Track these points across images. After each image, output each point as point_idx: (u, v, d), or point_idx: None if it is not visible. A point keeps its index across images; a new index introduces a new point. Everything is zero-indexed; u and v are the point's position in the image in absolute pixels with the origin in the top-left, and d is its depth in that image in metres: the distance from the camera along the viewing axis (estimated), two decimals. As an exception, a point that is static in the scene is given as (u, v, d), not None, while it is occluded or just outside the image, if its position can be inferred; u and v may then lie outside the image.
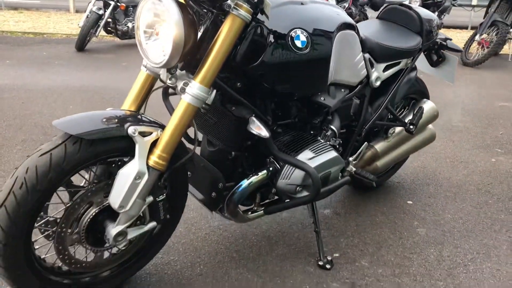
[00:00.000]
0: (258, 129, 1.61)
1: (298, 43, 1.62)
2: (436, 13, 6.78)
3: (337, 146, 1.93)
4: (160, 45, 1.47)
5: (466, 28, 10.72)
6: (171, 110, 1.79)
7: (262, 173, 1.73)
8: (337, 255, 2.05)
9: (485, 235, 2.28)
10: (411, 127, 2.33)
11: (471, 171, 3.03)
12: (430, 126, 2.59)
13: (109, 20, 6.31)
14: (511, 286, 1.93)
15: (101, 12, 6.15)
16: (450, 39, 2.53)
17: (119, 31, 6.50)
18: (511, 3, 6.59)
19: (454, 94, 5.04)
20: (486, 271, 2.01)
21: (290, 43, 1.60)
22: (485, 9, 7.24)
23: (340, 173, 1.90)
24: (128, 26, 6.48)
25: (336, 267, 1.96)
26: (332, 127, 1.90)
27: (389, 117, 2.36)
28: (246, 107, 1.65)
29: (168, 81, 1.55)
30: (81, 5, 9.31)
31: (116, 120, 1.49)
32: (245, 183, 1.72)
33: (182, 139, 1.61)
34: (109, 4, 6.25)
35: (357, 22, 2.05)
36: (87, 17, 6.10)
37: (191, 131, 1.79)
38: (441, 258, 2.08)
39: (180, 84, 1.51)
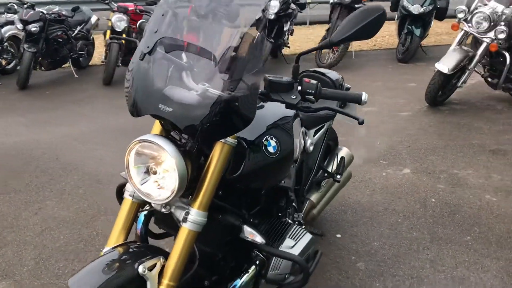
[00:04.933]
0: (253, 236, 1.71)
1: (270, 149, 1.76)
2: (289, 23, 7.29)
3: (301, 220, 2.11)
4: (161, 183, 1.50)
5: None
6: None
7: (252, 269, 1.83)
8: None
9: (410, 257, 2.68)
10: (338, 176, 2.62)
11: (372, 190, 3.46)
12: (346, 167, 2.92)
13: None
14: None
15: None
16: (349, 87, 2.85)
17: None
18: (349, 10, 7.38)
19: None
20: (425, 294, 2.40)
21: (264, 150, 1.73)
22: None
23: None
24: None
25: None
26: (293, 204, 2.08)
27: (319, 171, 2.62)
28: (233, 214, 1.74)
29: (163, 209, 1.58)
30: None
31: (122, 261, 1.49)
32: (238, 283, 1.80)
33: None
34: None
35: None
36: None
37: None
38: (387, 291, 2.42)
39: (181, 214, 1.55)
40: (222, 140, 1.54)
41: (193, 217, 1.54)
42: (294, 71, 1.62)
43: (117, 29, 6.55)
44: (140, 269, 1.47)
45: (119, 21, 6.56)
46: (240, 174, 1.66)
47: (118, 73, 6.52)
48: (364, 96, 1.60)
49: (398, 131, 4.61)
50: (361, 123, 1.59)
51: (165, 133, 1.65)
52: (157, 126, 1.67)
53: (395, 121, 4.93)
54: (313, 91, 1.61)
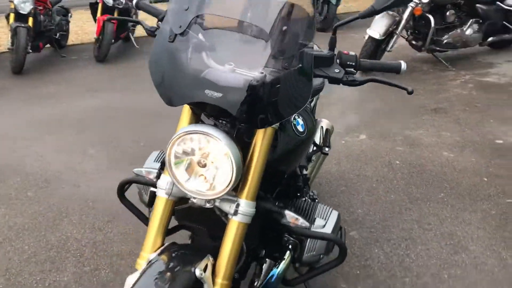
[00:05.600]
0: (295, 220, 1.62)
1: (299, 128, 1.67)
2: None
3: (316, 197, 2.05)
4: (208, 176, 1.35)
5: None
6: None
7: (288, 255, 1.74)
8: None
9: (397, 220, 2.74)
10: (326, 149, 2.58)
11: (338, 159, 3.48)
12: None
13: None
14: (446, 259, 2.41)
15: None
16: None
17: None
18: None
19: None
20: (422, 253, 2.46)
21: (294, 129, 1.65)
22: None
23: None
24: None
25: None
26: (308, 182, 2.01)
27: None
28: (269, 200, 1.63)
29: (207, 205, 1.43)
30: None
31: (176, 268, 1.33)
32: (276, 272, 1.71)
33: None
34: None
35: None
36: None
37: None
38: (388, 255, 2.45)
39: (231, 207, 1.41)
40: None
41: (243, 208, 1.41)
42: (331, 44, 1.51)
43: (21, 12, 5.89)
44: (197, 272, 1.34)
45: (23, 3, 5.89)
46: (277, 157, 1.55)
47: (29, 60, 5.93)
48: (404, 65, 1.55)
49: (342, 100, 4.68)
50: (410, 92, 1.54)
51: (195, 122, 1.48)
52: (187, 116, 1.48)
53: (333, 90, 4.99)
54: (353, 63, 1.52)
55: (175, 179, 1.37)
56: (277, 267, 1.71)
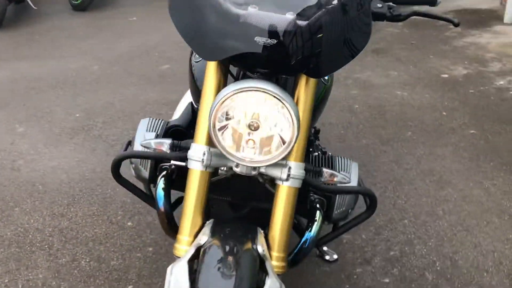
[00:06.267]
0: (334, 177, 1.47)
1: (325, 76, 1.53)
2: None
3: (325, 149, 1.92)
4: (265, 139, 1.14)
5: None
6: None
7: (318, 215, 1.59)
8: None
9: (376, 164, 2.70)
10: None
11: (297, 109, 3.36)
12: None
13: None
14: (435, 195, 2.42)
15: None
16: None
17: None
18: None
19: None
20: (411, 193, 2.45)
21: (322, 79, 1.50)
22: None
23: None
24: None
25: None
26: (318, 135, 1.88)
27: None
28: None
29: (253, 172, 1.23)
30: None
31: (234, 250, 1.13)
32: (309, 235, 1.56)
33: None
34: None
35: None
36: None
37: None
38: (379, 200, 2.39)
39: (283, 172, 1.22)
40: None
41: (294, 171, 1.23)
42: None
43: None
44: (260, 250, 1.17)
45: None
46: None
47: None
48: None
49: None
50: (457, 24, 1.42)
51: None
52: (214, 73, 1.23)
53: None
54: None
55: (222, 147, 1.14)
56: (310, 231, 1.56)
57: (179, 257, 1.21)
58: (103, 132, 3.15)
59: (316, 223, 1.56)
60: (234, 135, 1.14)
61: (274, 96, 1.09)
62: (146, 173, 1.59)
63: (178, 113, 1.71)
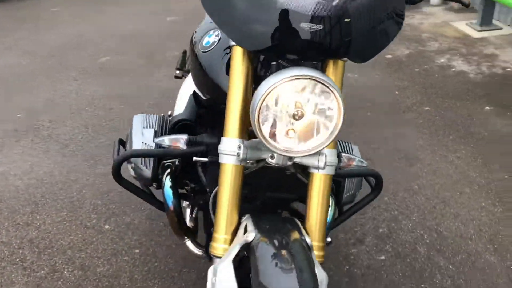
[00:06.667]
0: (352, 161, 1.46)
1: None
2: None
3: None
4: (310, 127, 1.10)
5: None
6: None
7: (331, 202, 1.57)
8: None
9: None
10: None
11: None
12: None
13: None
14: (407, 171, 2.50)
15: None
16: None
17: None
18: None
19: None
20: (385, 172, 2.51)
21: None
22: None
23: None
24: None
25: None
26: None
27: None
28: None
29: (288, 162, 1.19)
30: None
31: (286, 246, 1.09)
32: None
33: None
34: None
35: None
36: None
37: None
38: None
39: (320, 160, 1.18)
40: None
41: (330, 158, 1.19)
42: None
43: None
44: (308, 241, 1.13)
45: None
46: None
47: None
48: None
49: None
50: (468, 5, 1.43)
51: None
52: (241, 60, 1.14)
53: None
54: None
55: (264, 139, 1.08)
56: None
57: (217, 257, 1.15)
58: (52, 131, 2.92)
59: (330, 208, 1.54)
60: (277, 125, 1.08)
61: (323, 84, 1.04)
62: (148, 173, 1.48)
63: (180, 106, 1.61)
